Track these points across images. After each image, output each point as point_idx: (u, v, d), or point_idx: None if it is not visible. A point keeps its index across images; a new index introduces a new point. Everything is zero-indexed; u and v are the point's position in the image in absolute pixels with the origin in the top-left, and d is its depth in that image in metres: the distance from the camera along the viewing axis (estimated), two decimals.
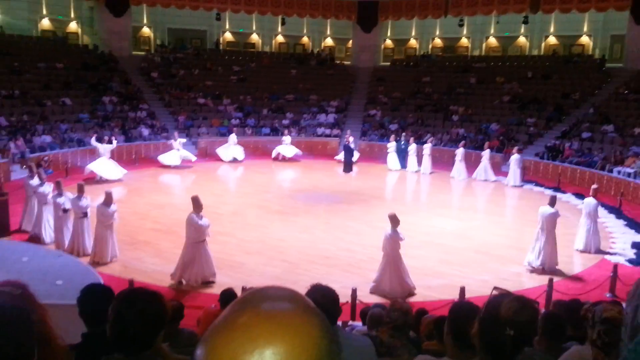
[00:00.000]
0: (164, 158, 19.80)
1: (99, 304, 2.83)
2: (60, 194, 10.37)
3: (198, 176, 19.19)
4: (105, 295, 2.95)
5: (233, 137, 21.68)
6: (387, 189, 19.03)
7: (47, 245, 10.41)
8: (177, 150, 19.91)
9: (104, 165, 16.69)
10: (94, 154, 17.41)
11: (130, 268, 9.61)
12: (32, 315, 1.29)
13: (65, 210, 10.24)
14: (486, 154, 19.17)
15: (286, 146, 22.19)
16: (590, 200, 11.55)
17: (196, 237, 8.84)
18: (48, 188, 10.94)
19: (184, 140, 20.57)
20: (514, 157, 18.30)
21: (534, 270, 10.07)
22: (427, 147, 20.12)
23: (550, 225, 10.11)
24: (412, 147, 20.54)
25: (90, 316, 2.79)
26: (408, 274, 8.95)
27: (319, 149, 24.26)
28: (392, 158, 20.90)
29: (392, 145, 20.92)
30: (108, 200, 9.78)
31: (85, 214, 10.02)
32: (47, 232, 10.77)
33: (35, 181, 11.38)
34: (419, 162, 20.27)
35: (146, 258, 10.26)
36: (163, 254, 10.61)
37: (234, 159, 21.40)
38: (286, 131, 23.30)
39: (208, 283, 9.04)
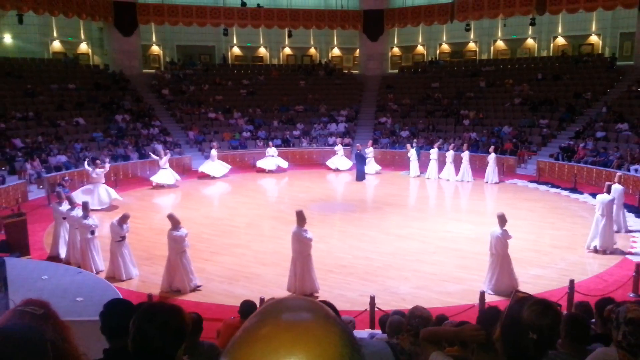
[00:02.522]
0: (207, 169, 20.42)
1: (122, 319, 2.86)
2: (87, 216, 10.29)
3: (212, 190, 19.30)
4: (127, 309, 2.97)
5: (273, 150, 22.02)
6: (401, 196, 18.94)
7: (98, 273, 10.02)
8: (212, 162, 20.54)
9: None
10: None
11: (149, 283, 9.67)
12: (47, 334, 1.31)
13: (93, 232, 10.22)
14: (492, 157, 19.17)
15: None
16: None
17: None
18: (80, 212, 10.70)
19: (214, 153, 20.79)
20: (492, 156, 19.01)
21: (597, 252, 11.04)
22: (433, 152, 20.28)
23: (609, 210, 11.07)
24: (434, 152, 20.44)
25: (113, 331, 2.81)
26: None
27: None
28: (414, 165, 20.79)
29: (413, 153, 20.77)
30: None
31: (123, 238, 9.95)
32: (94, 260, 10.40)
33: (65, 206, 11.18)
34: (440, 168, 20.24)
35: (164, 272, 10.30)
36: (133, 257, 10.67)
37: (277, 167, 21.83)
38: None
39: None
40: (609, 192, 11.29)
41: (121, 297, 7.00)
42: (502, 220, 8.89)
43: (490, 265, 9.13)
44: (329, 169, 22.38)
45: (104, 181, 16.01)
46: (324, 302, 2.82)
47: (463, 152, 19.72)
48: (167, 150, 20.44)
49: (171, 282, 9.26)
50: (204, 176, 20.53)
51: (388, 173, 21.50)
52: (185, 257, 9.24)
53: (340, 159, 22.34)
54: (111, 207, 15.58)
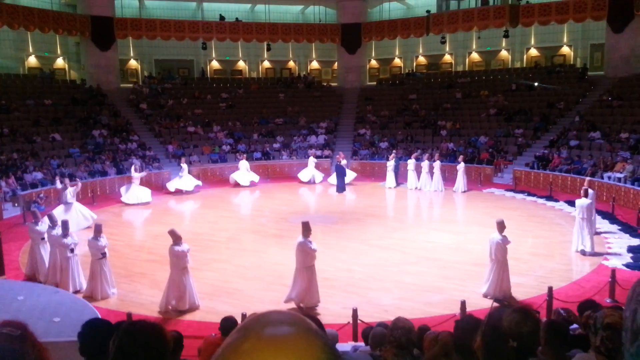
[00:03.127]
0: (174, 184, 20.07)
1: (101, 339, 2.81)
2: (66, 235, 10.00)
3: (191, 203, 19.13)
4: (106, 329, 2.92)
5: (245, 163, 21.73)
6: (381, 207, 19.04)
7: (78, 292, 9.79)
8: (180, 177, 20.20)
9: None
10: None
11: (127, 301, 9.49)
12: (27, 356, 1.29)
13: (72, 250, 9.96)
14: (461, 167, 19.64)
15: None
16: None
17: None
18: (59, 230, 10.38)
19: (185, 167, 20.53)
20: (461, 166, 19.49)
21: (586, 254, 11.52)
22: (410, 163, 20.60)
23: (589, 213, 11.72)
24: (410, 163, 20.75)
25: (92, 352, 2.76)
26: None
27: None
28: (390, 176, 21.03)
29: (391, 164, 20.99)
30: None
31: (104, 255, 9.66)
32: (74, 278, 10.11)
33: (43, 226, 10.85)
34: (418, 178, 20.54)
35: (143, 290, 10.14)
36: (160, 284, 10.48)
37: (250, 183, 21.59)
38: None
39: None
40: (586, 196, 11.82)
41: (99, 316, 6.87)
42: (501, 226, 9.15)
43: (490, 271, 9.30)
44: (302, 181, 22.28)
45: (73, 201, 14.97)
46: (309, 316, 2.82)
47: (434, 162, 20.09)
48: (145, 168, 20.31)
49: (171, 300, 8.92)
50: (178, 192, 20.20)
51: (368, 184, 21.61)
52: (187, 273, 8.98)
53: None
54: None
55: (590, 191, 12.35)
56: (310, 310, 8.79)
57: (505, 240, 9.10)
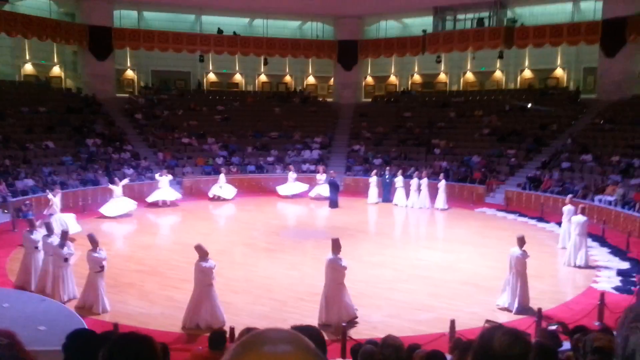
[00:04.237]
0: (159, 196, 19.78)
1: (85, 350, 2.77)
2: (63, 244, 9.82)
3: (183, 215, 19.04)
4: (91, 340, 2.89)
5: (222, 177, 21.50)
6: (373, 224, 19.06)
7: (68, 302, 9.62)
8: (162, 188, 19.83)
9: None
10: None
11: (115, 311, 9.39)
12: None
13: (66, 260, 9.80)
14: (442, 184, 19.97)
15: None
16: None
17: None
18: (56, 239, 10.27)
19: (169, 177, 20.30)
20: (442, 183, 19.93)
21: (581, 267, 12.32)
22: (413, 182, 20.50)
23: (582, 229, 12.55)
24: (399, 180, 20.85)
25: None
26: None
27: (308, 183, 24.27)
28: (373, 192, 21.18)
29: (373, 180, 21.17)
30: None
31: (102, 267, 9.46)
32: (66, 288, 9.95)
33: (38, 235, 10.71)
34: (407, 195, 20.57)
35: (131, 300, 10.05)
36: (148, 295, 10.41)
37: (218, 197, 21.29)
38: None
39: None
40: (583, 213, 12.83)
41: (85, 326, 6.80)
42: (521, 241, 9.54)
43: (508, 286, 9.61)
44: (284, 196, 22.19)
45: (56, 212, 14.55)
46: (313, 329, 2.80)
47: (422, 179, 20.29)
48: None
49: (196, 317, 8.70)
50: (164, 204, 19.88)
51: (360, 200, 21.62)
52: (212, 290, 8.80)
53: (291, 185, 22.26)
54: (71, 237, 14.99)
55: (570, 207, 13.85)
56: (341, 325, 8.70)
57: (524, 255, 9.52)
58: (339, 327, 8.18)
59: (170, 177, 20.56)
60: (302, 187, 22.33)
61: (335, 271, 8.89)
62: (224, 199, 21.25)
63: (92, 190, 20.30)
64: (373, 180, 21.22)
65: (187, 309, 8.80)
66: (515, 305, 9.51)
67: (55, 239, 10.25)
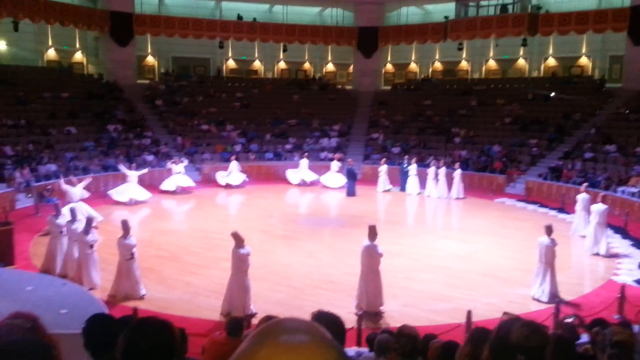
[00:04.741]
0: (164, 185, 19.76)
1: (104, 334, 2.82)
2: (88, 231, 9.90)
3: (202, 202, 19.22)
4: (110, 325, 2.94)
5: (235, 164, 21.48)
6: (390, 212, 18.99)
7: (93, 289, 9.70)
8: (177, 174, 19.88)
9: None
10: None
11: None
12: (53, 350, 1.30)
13: (91, 247, 9.88)
14: (457, 173, 19.80)
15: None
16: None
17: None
18: (80, 224, 10.41)
19: (184, 163, 20.30)
20: (457, 172, 19.73)
21: (598, 255, 12.57)
22: (430, 171, 20.37)
23: (602, 218, 12.74)
24: (413, 168, 20.77)
25: (97, 347, 2.78)
26: None
27: (323, 172, 24.28)
28: (382, 180, 21.22)
29: (383, 169, 21.18)
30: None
31: (132, 255, 9.42)
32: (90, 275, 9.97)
33: (63, 220, 10.84)
34: (422, 184, 20.48)
35: (150, 285, 10.19)
36: (167, 281, 10.57)
37: (227, 185, 21.25)
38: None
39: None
40: (604, 202, 13.06)
41: (106, 311, 6.93)
42: (549, 230, 9.73)
43: (539, 274, 9.74)
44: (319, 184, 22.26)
45: (77, 199, 14.40)
46: (334, 316, 2.80)
47: (439, 168, 20.19)
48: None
49: (232, 303, 8.76)
50: (182, 190, 19.84)
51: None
52: (247, 277, 8.87)
53: (300, 172, 22.25)
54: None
55: (585, 196, 14.28)
56: (374, 312, 8.87)
57: (553, 243, 9.68)
58: (379, 313, 8.56)
59: (185, 162, 20.54)
60: (312, 176, 22.32)
61: (372, 258, 8.92)
62: (235, 186, 21.21)
63: (113, 175, 20.54)
64: (383, 168, 21.24)
65: (225, 296, 8.87)
66: (547, 294, 9.61)
67: (80, 225, 10.40)
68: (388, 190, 21.14)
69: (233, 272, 8.88)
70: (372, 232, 9.00)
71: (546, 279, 9.63)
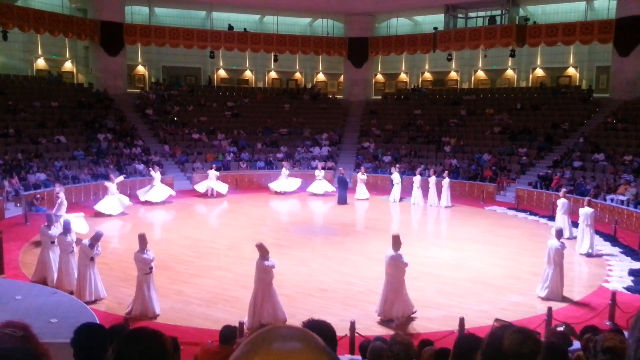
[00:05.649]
0: (149, 197, 19.37)
1: (93, 344, 2.80)
2: (93, 245, 9.54)
3: (193, 210, 19.13)
4: (99, 334, 2.91)
5: (213, 172, 21.19)
6: (382, 221, 19.01)
7: (97, 302, 9.47)
8: (153, 186, 19.50)
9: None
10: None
11: (125, 305, 9.45)
12: (44, 359, 1.29)
13: (92, 259, 9.63)
14: (446, 182, 19.95)
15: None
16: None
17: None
18: (73, 236, 10.30)
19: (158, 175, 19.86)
20: (446, 181, 19.93)
21: (589, 256, 13.19)
22: (416, 180, 20.53)
23: (590, 220, 13.32)
24: (396, 176, 21.04)
25: (86, 357, 2.75)
26: None
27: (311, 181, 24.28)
28: (360, 188, 21.30)
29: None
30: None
31: (151, 269, 9.11)
32: (93, 289, 9.68)
33: (55, 231, 10.70)
34: (408, 192, 20.71)
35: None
36: (158, 290, 10.46)
37: (211, 192, 21.11)
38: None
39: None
40: (589, 205, 13.73)
41: (96, 319, 6.87)
42: (559, 234, 10.27)
43: (546, 276, 10.15)
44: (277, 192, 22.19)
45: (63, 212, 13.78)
46: (325, 324, 2.80)
47: (430, 177, 20.33)
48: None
49: (259, 316, 8.52)
50: (147, 202, 19.35)
51: (370, 197, 21.57)
52: (272, 289, 8.73)
53: (283, 182, 22.24)
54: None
55: (564, 201, 14.91)
56: (404, 320, 8.91)
57: (563, 246, 10.10)
58: (403, 321, 8.70)
59: (158, 173, 19.97)
60: (295, 183, 22.29)
61: (398, 268, 8.89)
62: (220, 194, 21.07)
63: (102, 184, 20.28)
64: (362, 177, 21.41)
65: (250, 310, 8.64)
66: (549, 290, 10.07)
67: (74, 236, 10.33)
68: (367, 199, 21.11)
69: (257, 286, 8.64)
70: (397, 242, 8.94)
71: (552, 278, 10.08)
